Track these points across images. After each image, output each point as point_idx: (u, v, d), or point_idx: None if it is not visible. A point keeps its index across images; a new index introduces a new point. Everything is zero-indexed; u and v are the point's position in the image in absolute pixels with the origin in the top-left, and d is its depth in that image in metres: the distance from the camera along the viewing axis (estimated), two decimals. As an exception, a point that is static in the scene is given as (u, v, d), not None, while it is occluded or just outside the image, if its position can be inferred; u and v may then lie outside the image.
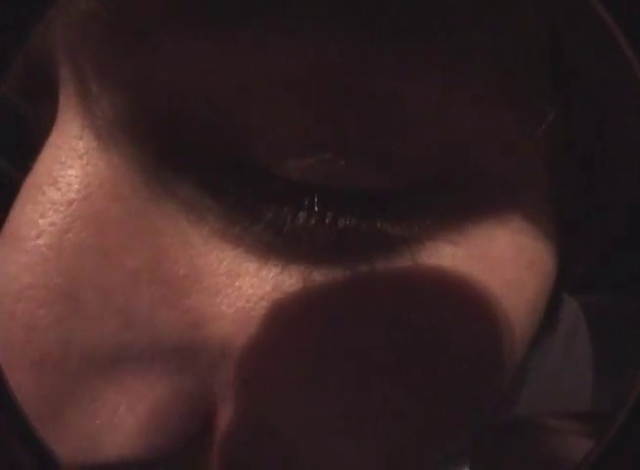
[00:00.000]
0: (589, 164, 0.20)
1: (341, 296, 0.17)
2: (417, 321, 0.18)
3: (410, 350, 0.18)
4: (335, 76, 0.15)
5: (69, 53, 0.17)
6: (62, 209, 0.16)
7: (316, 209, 0.17)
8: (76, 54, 0.16)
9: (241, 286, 0.17)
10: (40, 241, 0.16)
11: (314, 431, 0.18)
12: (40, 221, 0.16)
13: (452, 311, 0.18)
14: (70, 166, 0.17)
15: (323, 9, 0.15)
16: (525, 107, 0.17)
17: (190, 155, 0.17)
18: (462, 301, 0.18)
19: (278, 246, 0.17)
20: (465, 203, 0.18)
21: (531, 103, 0.17)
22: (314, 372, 0.17)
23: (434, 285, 0.18)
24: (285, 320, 0.17)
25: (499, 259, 0.18)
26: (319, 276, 0.17)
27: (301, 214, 0.17)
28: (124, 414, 0.17)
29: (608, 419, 0.13)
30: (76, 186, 0.16)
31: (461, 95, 0.16)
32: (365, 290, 0.17)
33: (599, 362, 0.36)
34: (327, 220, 0.17)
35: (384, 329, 0.17)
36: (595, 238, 0.23)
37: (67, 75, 0.17)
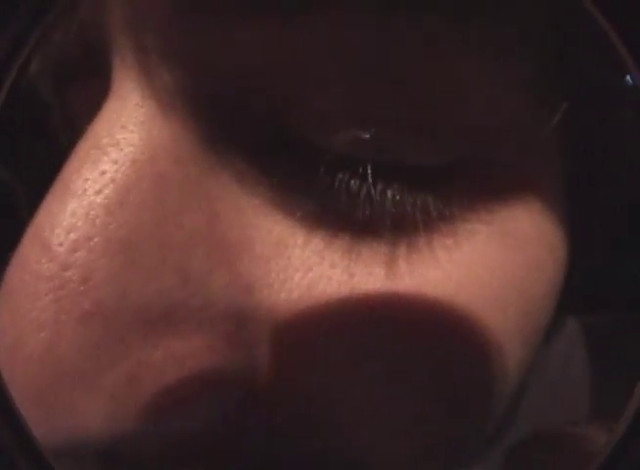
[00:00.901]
0: (589, 166, 0.21)
1: (373, 302, 0.18)
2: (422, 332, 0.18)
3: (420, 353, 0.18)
4: (384, 53, 0.16)
5: (132, 27, 0.17)
6: (124, 167, 0.17)
7: (369, 179, 0.17)
8: (140, 28, 0.17)
9: (290, 256, 0.18)
10: (102, 195, 0.17)
11: (351, 405, 0.18)
12: (101, 178, 0.17)
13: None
14: (132, 131, 0.17)
15: None
16: (544, 94, 0.18)
17: (243, 127, 0.18)
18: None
19: (326, 219, 0.18)
20: (493, 184, 0.19)
21: (549, 90, 0.19)
22: (353, 351, 0.18)
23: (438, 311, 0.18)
24: (324, 311, 0.17)
25: (524, 240, 0.19)
26: (363, 251, 0.18)
27: (354, 183, 0.17)
28: (170, 379, 0.17)
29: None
30: (141, 148, 0.17)
31: (497, 80, 0.17)
32: (394, 303, 0.18)
33: (597, 381, 0.36)
34: (378, 189, 0.17)
35: (402, 340, 0.18)
36: (595, 243, 0.24)
37: (126, 48, 0.17)
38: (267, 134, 0.18)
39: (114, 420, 0.16)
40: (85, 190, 0.17)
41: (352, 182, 0.17)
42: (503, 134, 0.18)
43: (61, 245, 0.16)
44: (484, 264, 0.19)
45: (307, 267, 0.17)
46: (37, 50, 0.20)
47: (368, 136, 0.17)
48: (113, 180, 0.17)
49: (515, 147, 0.19)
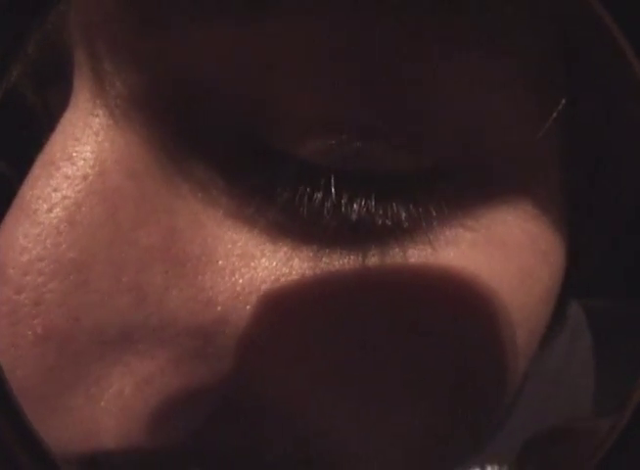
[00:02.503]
0: (592, 165, 0.20)
1: (348, 287, 0.17)
2: (424, 319, 0.18)
3: (415, 347, 0.18)
4: (359, 57, 0.15)
5: (85, 32, 0.16)
6: (76, 183, 0.16)
7: (332, 190, 0.16)
8: (92, 33, 0.16)
9: (256, 267, 0.17)
10: (53, 214, 0.16)
11: (321, 414, 0.17)
12: (53, 195, 0.16)
13: (462, 309, 0.18)
14: (86, 143, 0.16)
15: None
16: (541, 93, 0.17)
17: (205, 135, 0.17)
18: (473, 299, 0.18)
19: (292, 228, 0.17)
20: (478, 188, 0.18)
21: (546, 89, 0.17)
22: (322, 359, 0.17)
23: (443, 284, 0.17)
24: (295, 306, 0.17)
25: (515, 247, 0.18)
26: (333, 260, 0.17)
27: (317, 196, 0.16)
28: (130, 398, 0.16)
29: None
30: (92, 161, 0.16)
31: (485, 79, 0.16)
32: (371, 284, 0.17)
33: (601, 365, 0.36)
34: (343, 202, 0.17)
35: (386, 325, 0.17)
36: (597, 238, 0.23)
37: (81, 55, 0.17)
38: (229, 141, 0.17)
39: (78, 439, 0.16)
40: (37, 209, 0.16)
41: (315, 194, 0.16)
42: (494, 136, 0.17)
43: (14, 268, 0.16)
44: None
45: (275, 279, 0.17)
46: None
47: (338, 143, 0.16)
48: (64, 198, 0.16)
49: (506, 149, 0.18)
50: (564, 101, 0.17)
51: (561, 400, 0.35)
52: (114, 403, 0.16)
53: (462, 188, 0.17)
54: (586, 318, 0.38)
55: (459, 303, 0.18)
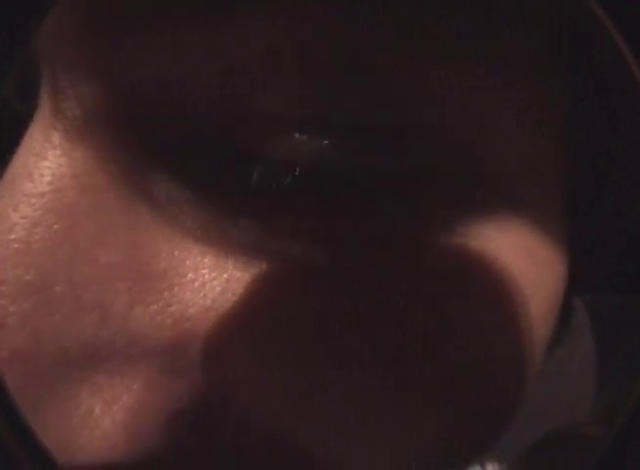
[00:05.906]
0: (596, 169, 0.20)
1: (327, 298, 0.17)
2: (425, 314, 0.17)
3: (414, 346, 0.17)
4: (324, 47, 0.15)
5: (46, 46, 0.16)
6: (33, 201, 0.16)
7: (304, 193, 0.16)
8: (51, 47, 0.16)
9: (228, 279, 0.16)
10: (12, 235, 0.16)
11: (297, 425, 0.17)
12: (12, 215, 0.16)
13: (471, 306, 0.17)
14: (44, 158, 0.16)
15: None
16: (545, 101, 0.17)
17: (165, 148, 0.16)
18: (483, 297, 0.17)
19: (264, 241, 0.16)
20: (473, 197, 0.17)
21: (550, 96, 0.17)
22: (300, 370, 0.17)
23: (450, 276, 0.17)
24: (269, 318, 0.16)
25: (514, 258, 0.17)
26: (309, 272, 0.16)
27: (285, 207, 0.16)
28: (100, 416, 0.16)
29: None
30: (49, 178, 0.16)
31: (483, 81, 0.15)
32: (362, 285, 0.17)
33: (603, 363, 0.36)
34: (315, 211, 0.16)
35: (376, 326, 0.17)
36: (602, 242, 0.23)
37: (44, 68, 0.16)
38: (190, 154, 0.16)
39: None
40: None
41: (285, 210, 0.16)
42: (489, 142, 0.17)
43: None
44: None
45: (249, 292, 0.16)
46: None
47: (309, 137, 0.15)
48: (22, 217, 0.16)
49: (502, 158, 0.17)
50: (566, 109, 0.17)
51: (562, 400, 0.35)
52: (85, 423, 0.16)
53: (453, 198, 0.17)
54: (589, 315, 0.38)
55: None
